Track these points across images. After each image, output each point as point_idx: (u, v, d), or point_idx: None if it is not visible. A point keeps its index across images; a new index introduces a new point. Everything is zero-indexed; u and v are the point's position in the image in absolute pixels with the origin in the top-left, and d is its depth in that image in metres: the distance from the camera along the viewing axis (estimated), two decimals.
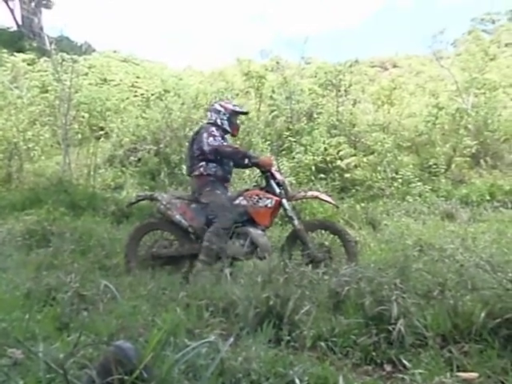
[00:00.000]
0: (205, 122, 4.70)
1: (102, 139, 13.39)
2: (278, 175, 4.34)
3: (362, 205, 8.33)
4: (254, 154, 4.57)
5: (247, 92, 15.07)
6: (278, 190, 4.26)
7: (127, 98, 16.77)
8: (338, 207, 5.56)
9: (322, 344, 2.51)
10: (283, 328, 2.64)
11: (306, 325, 2.64)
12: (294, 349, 2.52)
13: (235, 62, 20.15)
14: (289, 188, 4.43)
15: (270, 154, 9.82)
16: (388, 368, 2.39)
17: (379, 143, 10.39)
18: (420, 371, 2.17)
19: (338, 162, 10.19)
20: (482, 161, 10.74)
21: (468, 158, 10.72)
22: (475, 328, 2.41)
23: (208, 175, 4.29)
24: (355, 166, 10.15)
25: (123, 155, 11.91)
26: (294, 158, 10.45)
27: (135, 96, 17.96)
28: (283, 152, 11.04)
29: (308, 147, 10.52)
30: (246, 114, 5.12)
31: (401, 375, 2.22)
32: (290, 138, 11.15)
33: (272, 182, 4.30)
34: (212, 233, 4.04)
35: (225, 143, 4.32)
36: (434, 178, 10.05)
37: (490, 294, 2.58)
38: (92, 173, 9.86)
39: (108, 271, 4.38)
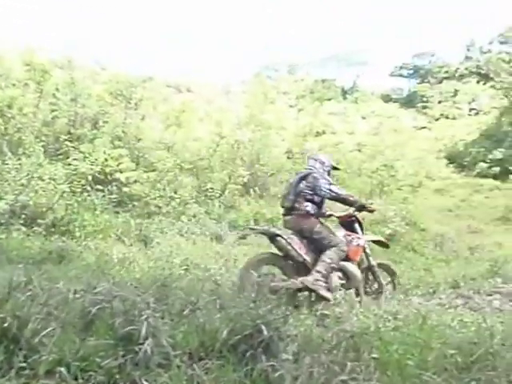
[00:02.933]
0: (306, 167, 5.00)
1: None
2: (360, 219, 4.93)
3: (137, 221, 8.22)
4: (362, 200, 5.20)
5: (26, 84, 13.46)
6: (361, 232, 4.89)
7: None
8: (388, 247, 5.70)
9: (62, 369, 2.28)
10: (18, 353, 2.31)
11: (47, 348, 2.37)
12: (28, 377, 2.22)
13: (16, 48, 17.87)
14: None
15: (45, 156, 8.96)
16: None
17: (162, 161, 10.53)
18: None
19: (118, 175, 9.88)
20: (251, 190, 11.93)
21: (240, 186, 11.78)
22: (218, 345, 2.54)
23: (312, 215, 4.65)
24: (135, 181, 10.01)
25: None
26: (69, 164, 9.68)
27: None
28: (59, 156, 10.15)
29: (87, 155, 9.92)
30: (338, 169, 5.49)
31: None
32: (67, 143, 10.33)
33: (357, 224, 4.90)
34: (335, 252, 4.47)
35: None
36: (209, 201, 10.66)
37: (235, 312, 2.77)
38: None
39: None
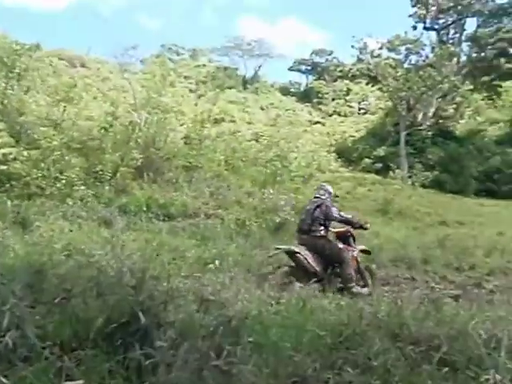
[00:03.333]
0: (317, 196, 6.24)
1: None
2: (354, 234, 6.31)
3: (15, 202, 7.53)
4: (360, 221, 6.42)
5: None
6: (354, 244, 6.23)
7: None
8: (370, 253, 6.94)
9: None
10: None
11: None
12: None
13: None
14: None
15: None
16: None
17: (47, 139, 9.73)
18: None
19: None
20: (145, 174, 11.53)
21: (133, 170, 11.32)
22: (93, 334, 2.41)
23: (325, 236, 5.99)
24: (14, 159, 9.11)
25: None
26: None
27: None
28: None
29: None
30: (337, 196, 6.92)
31: None
32: None
33: (351, 239, 6.25)
34: (348, 266, 5.81)
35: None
36: (98, 183, 10.11)
37: (113, 299, 2.65)
38: None
39: None
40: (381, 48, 33.15)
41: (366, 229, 6.50)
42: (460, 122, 32.02)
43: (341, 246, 6.11)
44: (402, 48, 32.77)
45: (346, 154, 29.64)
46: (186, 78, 42.00)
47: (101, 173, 10.32)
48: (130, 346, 2.21)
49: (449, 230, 13.56)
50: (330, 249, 5.97)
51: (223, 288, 4.49)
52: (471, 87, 31.34)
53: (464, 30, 31.81)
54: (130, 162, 11.27)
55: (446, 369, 2.34)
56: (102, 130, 11.82)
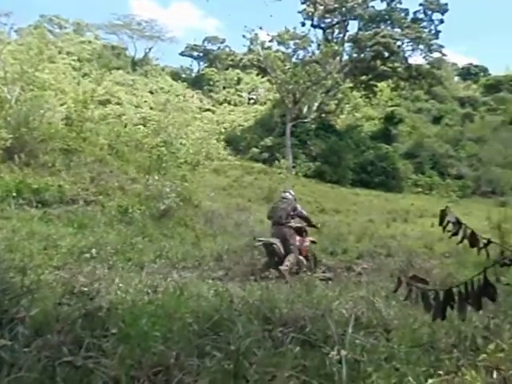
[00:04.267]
0: (284, 197, 7.72)
1: None
2: (307, 229, 7.82)
3: None
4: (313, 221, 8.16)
5: None
6: (306, 237, 7.76)
7: None
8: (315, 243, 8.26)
9: None
10: None
11: None
12: None
13: None
14: None
15: None
16: None
17: None
18: None
19: None
20: (16, 156, 10.47)
21: (1, 151, 10.21)
22: None
23: (292, 227, 7.37)
24: None
25: None
26: None
27: None
28: None
29: None
30: (295, 200, 7.93)
31: None
32: None
33: (304, 233, 7.68)
34: (294, 257, 7.07)
35: None
36: None
37: None
38: None
39: None
40: (271, 41, 34.12)
41: (317, 228, 8.40)
42: (340, 116, 34.28)
43: (298, 237, 7.51)
44: (291, 43, 34.03)
45: (234, 143, 30.08)
46: (68, 54, 39.02)
47: None
48: None
49: (326, 217, 14.52)
50: (293, 238, 7.38)
51: (97, 278, 4.31)
52: (351, 85, 33.71)
53: (347, 31, 34.03)
54: None
55: (306, 347, 2.49)
56: None
